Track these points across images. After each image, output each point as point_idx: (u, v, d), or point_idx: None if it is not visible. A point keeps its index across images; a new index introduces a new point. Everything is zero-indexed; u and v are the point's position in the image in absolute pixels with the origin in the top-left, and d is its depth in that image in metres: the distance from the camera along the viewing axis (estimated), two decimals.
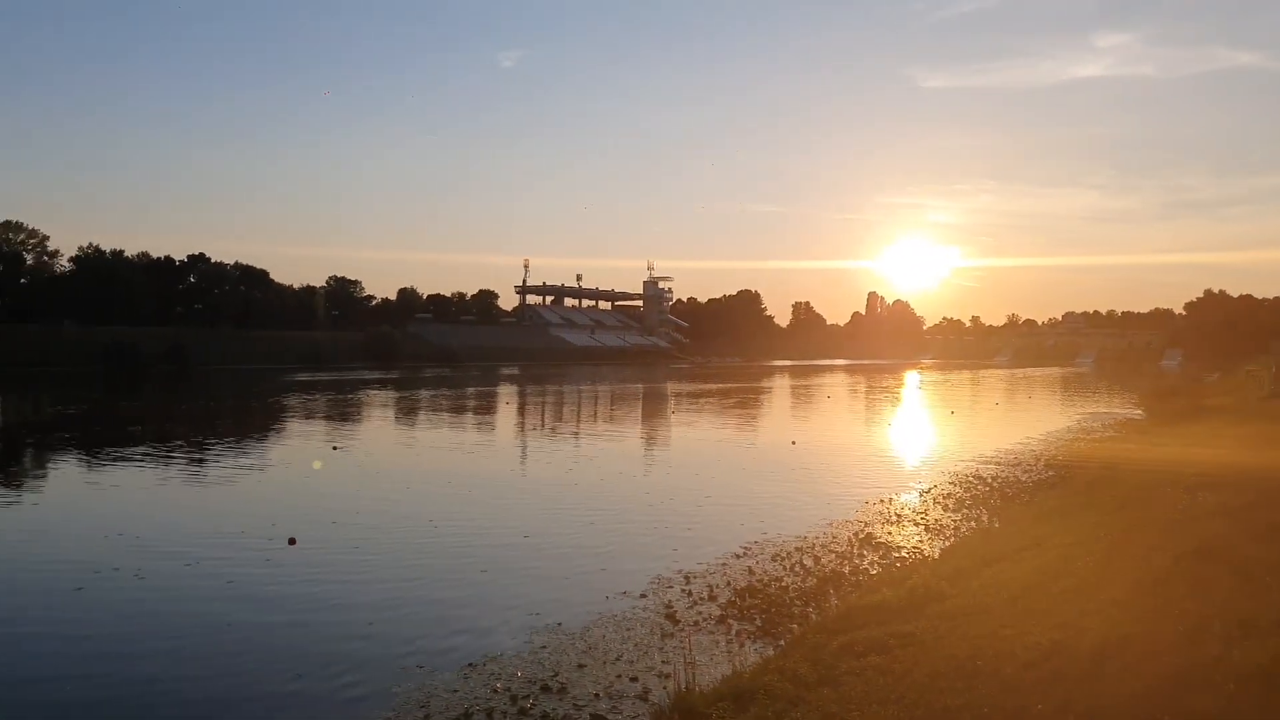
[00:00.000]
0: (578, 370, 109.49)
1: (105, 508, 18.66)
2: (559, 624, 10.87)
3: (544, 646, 10.13)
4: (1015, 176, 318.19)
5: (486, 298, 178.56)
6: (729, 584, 12.55)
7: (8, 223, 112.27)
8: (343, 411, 44.97)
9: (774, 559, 14.01)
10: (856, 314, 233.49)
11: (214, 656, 9.96)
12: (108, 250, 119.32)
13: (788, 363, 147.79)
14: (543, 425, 39.57)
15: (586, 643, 10.25)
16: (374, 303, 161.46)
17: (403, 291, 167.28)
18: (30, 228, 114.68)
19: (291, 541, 14.92)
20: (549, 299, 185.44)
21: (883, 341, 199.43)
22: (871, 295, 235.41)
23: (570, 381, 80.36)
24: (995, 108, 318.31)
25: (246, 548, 14.74)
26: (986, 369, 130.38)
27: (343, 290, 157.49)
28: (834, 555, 14.25)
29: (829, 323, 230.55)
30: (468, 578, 13.12)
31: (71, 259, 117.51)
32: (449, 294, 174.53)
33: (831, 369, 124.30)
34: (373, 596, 12.18)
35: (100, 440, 30.57)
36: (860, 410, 53.29)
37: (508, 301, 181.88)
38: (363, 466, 24.87)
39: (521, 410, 49.39)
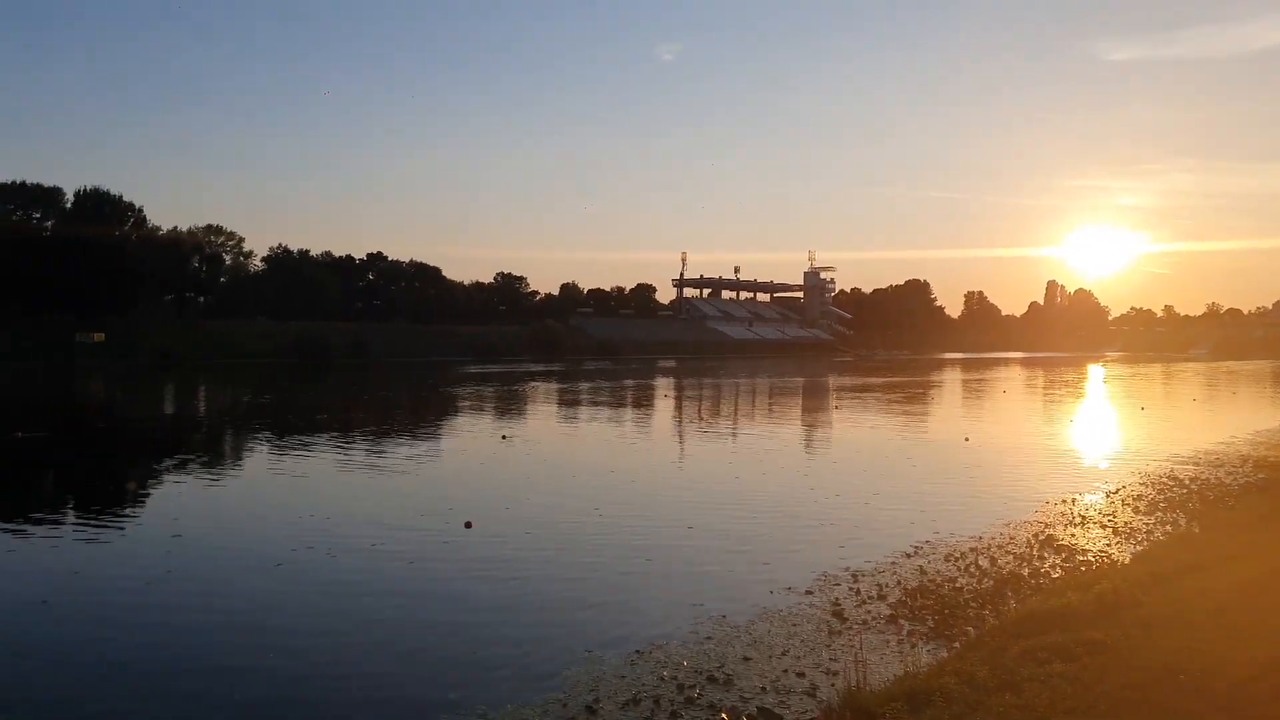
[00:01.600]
0: (735, 363, 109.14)
1: (299, 490, 20.07)
2: (723, 616, 10.84)
3: (709, 638, 10.13)
4: (1217, 153, 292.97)
5: (645, 292, 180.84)
6: (899, 583, 12.16)
7: (209, 226, 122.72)
8: (509, 402, 46.65)
9: (947, 559, 13.47)
10: (1034, 304, 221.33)
11: (398, 630, 10.52)
12: (295, 250, 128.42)
13: (959, 356, 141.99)
14: (701, 418, 39.65)
15: (751, 636, 10.18)
16: (538, 298, 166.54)
17: (565, 287, 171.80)
18: (229, 231, 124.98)
19: (467, 525, 15.56)
20: (706, 292, 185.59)
21: (1063, 333, 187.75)
22: (1051, 284, 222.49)
23: (728, 374, 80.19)
24: (1190, 79, 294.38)
25: (427, 530, 15.49)
26: (1182, 362, 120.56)
27: (509, 286, 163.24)
28: (1012, 557, 13.56)
29: (1004, 314, 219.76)
30: (633, 566, 13.29)
31: (264, 259, 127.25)
32: (609, 289, 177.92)
33: (1007, 362, 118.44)
34: (543, 580, 12.54)
35: (292, 428, 32.91)
36: (1039, 406, 50.51)
37: (665, 295, 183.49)
38: (530, 455, 25.69)
39: (679, 403, 49.70)
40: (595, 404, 46.07)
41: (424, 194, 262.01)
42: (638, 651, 9.69)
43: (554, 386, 61.49)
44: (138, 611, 11.11)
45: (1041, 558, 13.50)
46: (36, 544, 14.77)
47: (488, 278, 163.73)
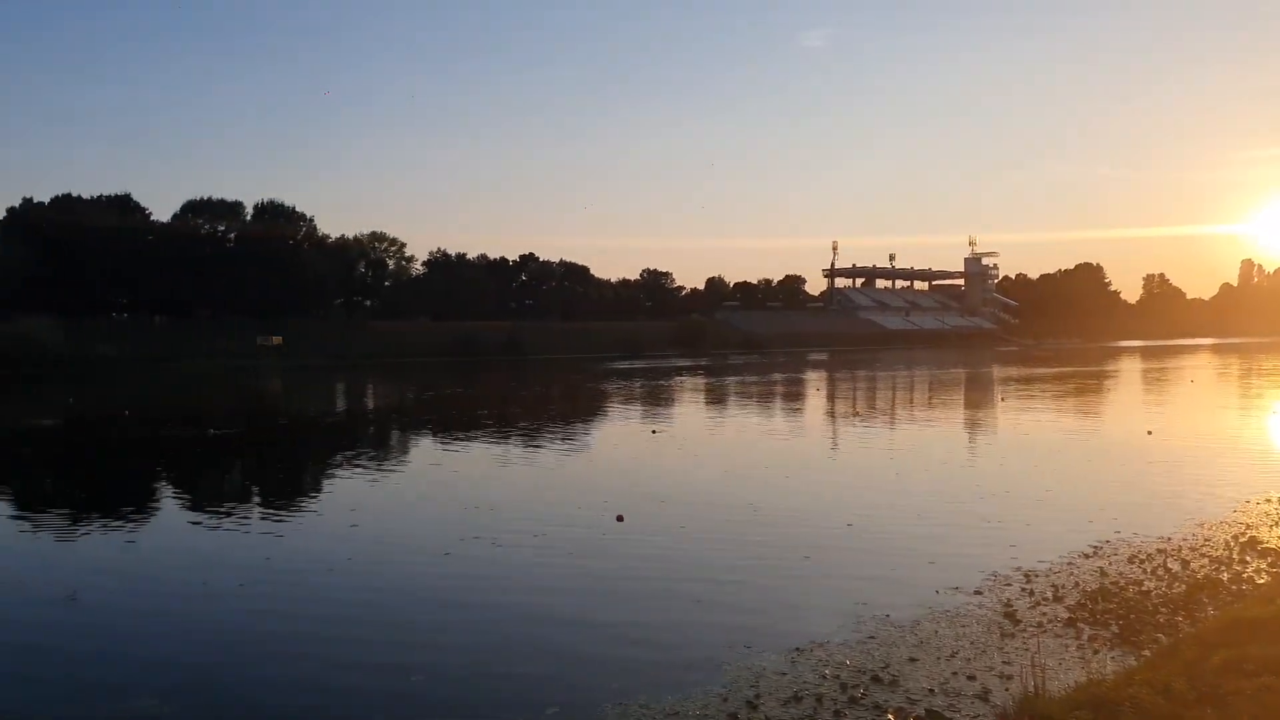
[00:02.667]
0: (891, 354, 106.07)
1: (462, 483, 20.85)
2: (886, 615, 10.53)
3: (872, 637, 9.86)
4: None
5: (793, 283, 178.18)
6: (1077, 585, 11.46)
7: (374, 233, 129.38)
8: (657, 397, 47.00)
9: (1131, 560, 12.60)
10: (1226, 286, 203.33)
11: (559, 620, 10.76)
12: (453, 254, 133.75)
13: (1138, 343, 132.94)
14: (856, 413, 38.72)
15: (917, 637, 9.83)
16: (684, 293, 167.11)
17: (711, 280, 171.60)
18: (392, 236, 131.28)
19: (619, 519, 15.76)
20: (859, 281, 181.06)
21: (1260, 317, 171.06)
22: (1245, 263, 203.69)
23: (883, 366, 78.06)
24: None
25: (582, 522, 15.78)
26: None
27: (655, 282, 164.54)
28: (1207, 560, 12.54)
29: (1189, 297, 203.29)
30: (790, 562, 13.10)
31: (425, 262, 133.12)
32: (755, 281, 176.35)
33: (1194, 349, 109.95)
34: (698, 574, 12.54)
35: (453, 423, 34.28)
36: (1232, 396, 46.59)
37: (815, 286, 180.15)
38: (680, 450, 25.76)
39: (831, 396, 48.73)
40: (743, 398, 45.81)
41: (572, 193, 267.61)
42: (798, 649, 9.54)
43: (701, 381, 61.54)
44: (324, 597, 11.81)
45: (1244, 561, 12.43)
46: (231, 533, 15.98)
47: (634, 274, 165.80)
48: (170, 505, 19.17)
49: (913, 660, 9.12)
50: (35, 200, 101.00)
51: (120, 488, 21.41)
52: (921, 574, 12.30)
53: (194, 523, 16.85)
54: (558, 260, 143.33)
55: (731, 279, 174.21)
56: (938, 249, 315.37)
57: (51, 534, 16.03)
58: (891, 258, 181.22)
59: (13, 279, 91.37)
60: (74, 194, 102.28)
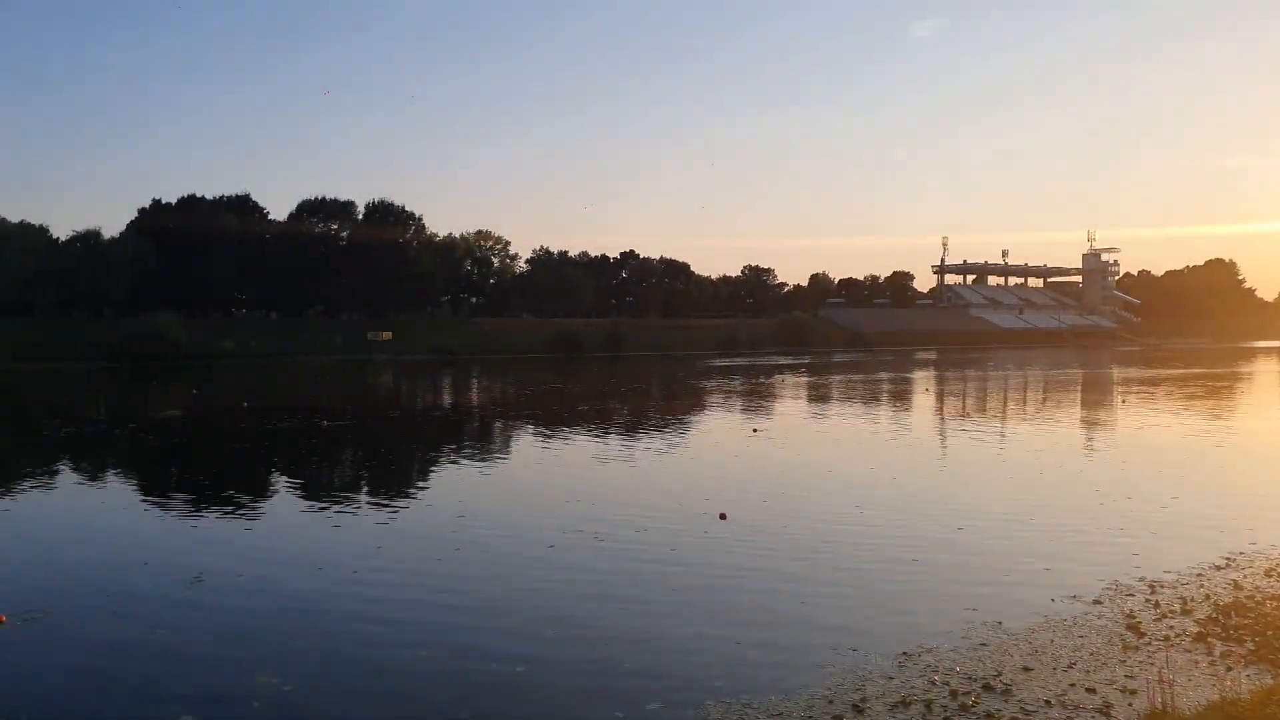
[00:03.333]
0: (1003, 354, 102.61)
1: (565, 476, 21.12)
2: (999, 622, 10.18)
3: (983, 644, 9.54)
4: None
5: (901, 279, 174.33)
6: (1208, 598, 10.84)
7: (480, 232, 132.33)
8: (757, 396, 46.63)
9: (1269, 574, 11.85)
10: None
11: (659, 612, 10.79)
12: (555, 252, 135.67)
13: (1276, 344, 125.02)
14: (965, 413, 37.58)
15: (1031, 645, 9.47)
16: (785, 289, 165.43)
17: (814, 277, 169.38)
18: (496, 235, 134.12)
19: (722, 516, 15.68)
20: (970, 278, 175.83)
21: None
22: None
23: (994, 366, 75.60)
24: None
25: (685, 519, 15.78)
26: None
27: (756, 278, 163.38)
28: None
29: None
30: (897, 565, 12.80)
31: (528, 260, 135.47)
32: (861, 277, 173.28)
33: None
34: (801, 574, 12.37)
35: (555, 418, 34.75)
36: None
37: (923, 283, 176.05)
38: (782, 450, 25.48)
39: (940, 396, 47.42)
40: (848, 398, 45.02)
41: (674, 190, 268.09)
42: (905, 653, 9.31)
43: (803, 379, 60.77)
44: (433, 585, 12.12)
45: None
46: (345, 520, 16.56)
47: (735, 271, 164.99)
48: (287, 493, 20.00)
49: (1027, 670, 8.80)
50: (163, 201, 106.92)
51: (240, 475, 22.46)
52: (1036, 581, 11.85)
53: (309, 510, 17.56)
54: (658, 257, 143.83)
55: (836, 275, 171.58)
56: (1053, 245, 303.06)
57: (178, 518, 16.93)
58: (1004, 254, 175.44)
59: (143, 277, 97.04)
60: (198, 194, 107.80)
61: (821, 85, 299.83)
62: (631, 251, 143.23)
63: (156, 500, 19.19)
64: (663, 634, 10.10)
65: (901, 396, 46.81)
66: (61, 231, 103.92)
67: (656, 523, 15.46)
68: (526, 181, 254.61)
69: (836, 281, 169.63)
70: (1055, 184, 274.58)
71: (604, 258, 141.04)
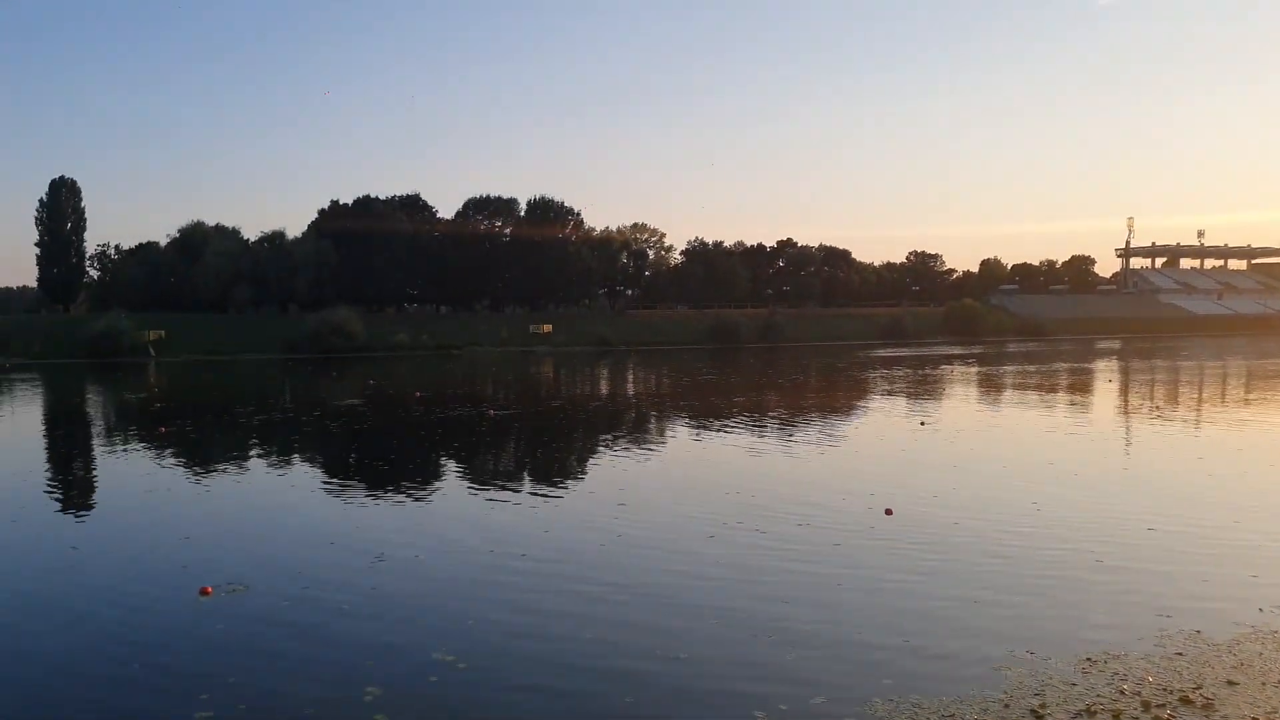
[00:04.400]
0: (1198, 342, 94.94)
1: (722, 467, 21.07)
2: (1197, 631, 9.42)
3: (1179, 654, 8.85)
4: None
5: (1080, 264, 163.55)
6: None
7: (636, 225, 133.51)
8: (924, 386, 45.01)
9: None
10: None
11: (823, 607, 10.58)
12: (710, 242, 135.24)
13: None
14: (1155, 406, 34.92)
15: (1236, 658, 8.71)
16: (954, 276, 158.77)
17: (985, 263, 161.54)
18: (652, 227, 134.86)
19: (888, 512, 15.21)
20: (1159, 261, 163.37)
21: None
22: None
23: (1189, 355, 70.03)
24: None
25: (849, 514, 15.42)
26: None
27: (922, 265, 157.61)
28: None
29: None
30: (1079, 567, 12.06)
31: (683, 252, 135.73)
32: (1037, 263, 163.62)
33: None
34: (973, 572, 11.86)
35: (712, 409, 34.71)
36: None
37: (1106, 267, 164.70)
38: (952, 444, 24.45)
39: (1124, 389, 44.28)
40: (1022, 389, 42.76)
41: (833, 178, 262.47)
42: (1089, 659, 8.77)
43: (973, 370, 58.22)
44: (597, 571, 12.36)
45: None
46: (513, 505, 17.14)
47: (899, 257, 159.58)
48: (458, 478, 20.88)
49: (1231, 684, 8.09)
50: (340, 202, 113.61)
51: (415, 461, 23.63)
52: (1241, 588, 10.90)
53: (479, 494, 18.26)
54: (817, 245, 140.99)
55: (1009, 261, 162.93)
56: (1258, 225, 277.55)
57: (359, 500, 17.97)
58: (1200, 234, 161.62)
59: (323, 273, 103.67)
60: (372, 195, 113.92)
61: (989, 60, 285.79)
62: (789, 239, 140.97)
63: (340, 483, 20.45)
64: (826, 629, 9.90)
65: (1082, 388, 44.04)
66: (252, 233, 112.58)
67: (819, 517, 15.17)
68: (682, 173, 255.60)
69: (1009, 267, 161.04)
70: (1258, 158, 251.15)
71: (760, 246, 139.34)
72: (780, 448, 23.99)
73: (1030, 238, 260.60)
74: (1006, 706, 7.81)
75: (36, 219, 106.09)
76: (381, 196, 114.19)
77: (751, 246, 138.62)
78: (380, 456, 24.47)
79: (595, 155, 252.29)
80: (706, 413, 33.07)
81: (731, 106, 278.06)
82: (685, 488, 18.50)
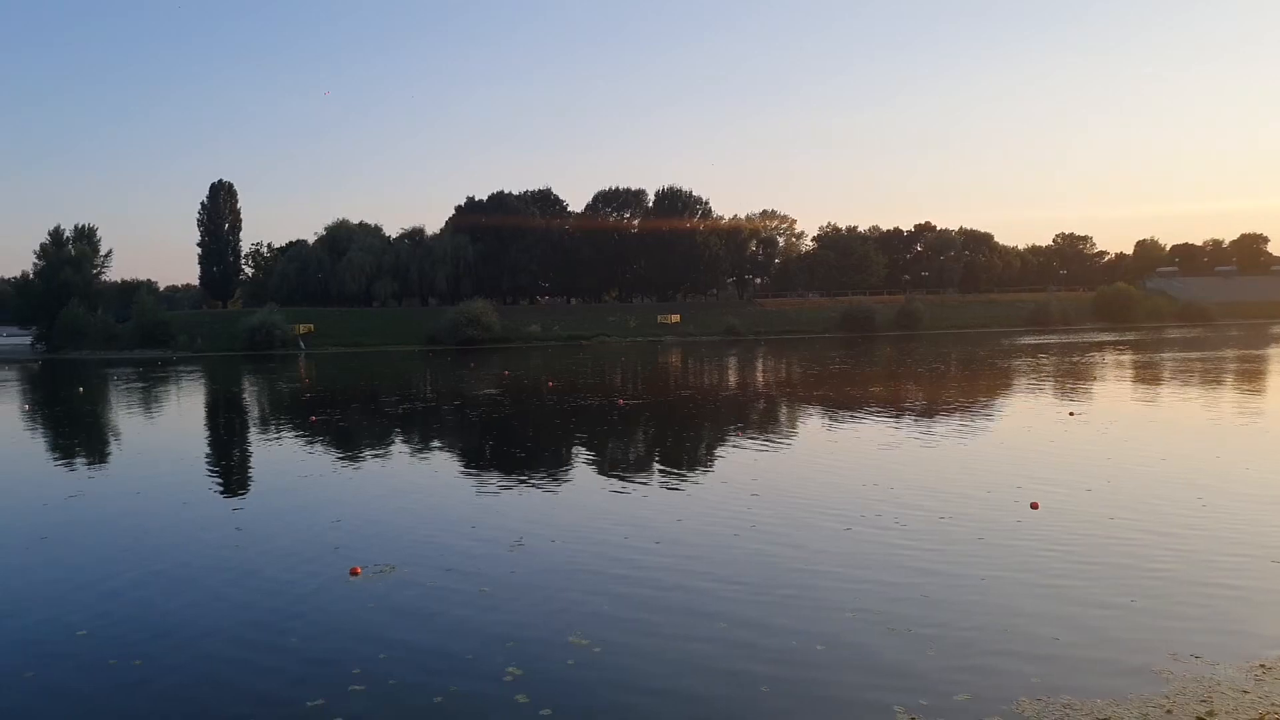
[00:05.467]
0: None
1: (858, 457, 20.62)
2: None
3: None
4: None
5: (1251, 243, 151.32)
6: None
7: (765, 212, 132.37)
8: (1072, 376, 42.77)
9: None
10: None
11: (966, 601, 10.19)
12: (844, 228, 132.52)
13: None
14: None
15: None
16: (1105, 259, 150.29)
17: (1140, 244, 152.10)
18: (782, 214, 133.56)
19: (1034, 506, 14.55)
20: None
21: None
22: None
23: None
24: None
25: (992, 507, 14.83)
26: None
27: (1070, 248, 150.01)
28: None
29: None
30: (1252, 565, 11.22)
31: (814, 238, 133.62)
32: (1200, 243, 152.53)
33: None
34: (1130, 569, 11.19)
35: (845, 399, 34.02)
36: None
37: None
38: (1105, 436, 23.07)
39: None
40: (1183, 378, 40.05)
41: (973, 160, 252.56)
42: (1263, 665, 8.16)
43: (1127, 357, 54.99)
44: (730, 560, 12.30)
45: None
46: (645, 494, 17.29)
47: (1045, 240, 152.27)
48: (591, 466, 21.17)
49: None
50: (476, 198, 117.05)
51: (549, 449, 24.13)
52: None
53: (611, 482, 18.45)
54: (957, 229, 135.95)
55: (1167, 242, 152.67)
56: None
57: (497, 487, 18.47)
58: None
59: (461, 267, 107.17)
60: (506, 191, 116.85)
61: (1137, 24, 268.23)
62: (927, 223, 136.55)
63: (479, 469, 21.09)
64: (970, 624, 9.54)
65: (1252, 376, 40.86)
66: (393, 230, 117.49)
67: (961, 510, 14.65)
68: (813, 158, 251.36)
69: (1168, 248, 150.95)
70: None
71: (896, 231, 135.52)
72: (918, 439, 23.27)
73: (1191, 217, 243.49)
74: (1169, 712, 7.33)
75: (198, 221, 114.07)
76: (515, 192, 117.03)
77: (887, 231, 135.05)
78: (516, 444, 25.11)
79: (724, 143, 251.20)
80: (840, 403, 32.44)
81: (864, 88, 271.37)
82: (819, 479, 18.18)
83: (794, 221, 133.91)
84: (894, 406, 30.70)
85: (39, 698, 8.33)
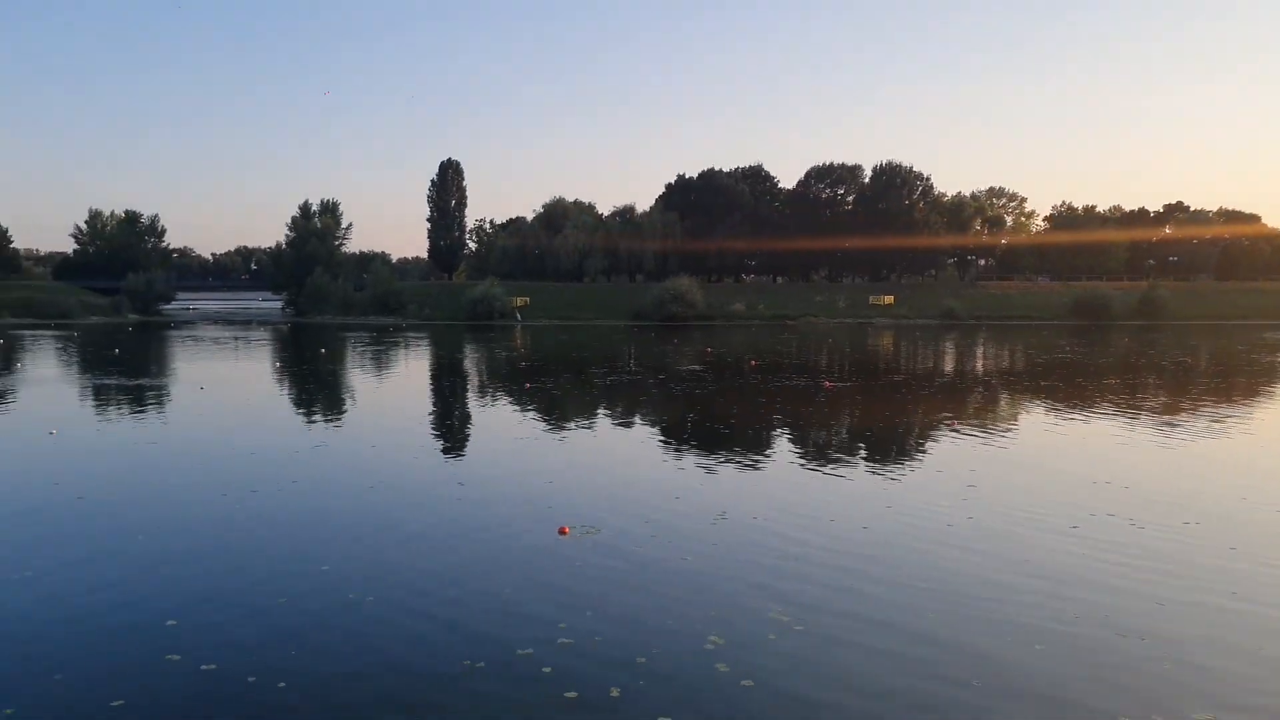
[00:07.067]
0: None
1: (1087, 454, 19.12)
2: None
3: None
4: None
5: None
6: None
7: (992, 189, 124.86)
8: None
9: None
10: None
11: (1211, 621, 9.15)
12: (1080, 208, 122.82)
13: None
14: None
15: None
16: None
17: None
18: (1011, 192, 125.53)
19: None
20: None
21: None
22: None
23: None
24: None
25: (1246, 515, 13.40)
26: None
27: None
28: None
29: None
30: None
31: (1046, 218, 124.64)
32: None
33: None
34: None
35: (1077, 391, 31.64)
36: None
37: None
38: None
39: None
40: None
41: (1235, 133, 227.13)
42: None
43: None
44: (946, 550, 11.74)
45: None
46: (853, 479, 16.80)
47: None
48: (795, 447, 20.78)
49: None
50: (686, 176, 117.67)
51: (752, 427, 23.92)
52: None
53: (816, 464, 18.05)
54: (1215, 209, 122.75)
55: None
56: None
57: (700, 460, 18.51)
58: None
59: (668, 243, 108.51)
60: (716, 168, 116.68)
61: None
62: (1178, 203, 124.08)
63: (682, 442, 21.24)
64: (1213, 645, 8.56)
65: None
66: (605, 208, 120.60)
67: (1207, 516, 13.24)
68: (1048, 132, 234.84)
69: None
70: None
71: (1141, 211, 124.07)
72: (1158, 436, 21.23)
73: None
74: None
75: (428, 197, 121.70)
76: (725, 169, 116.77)
77: (1130, 212, 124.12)
78: (719, 420, 25.11)
79: (948, 116, 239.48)
80: (1069, 395, 30.17)
81: (1104, 57, 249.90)
82: (1043, 472, 16.96)
83: (1024, 200, 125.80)
84: (1130, 401, 28.17)
85: (300, 619, 9.16)
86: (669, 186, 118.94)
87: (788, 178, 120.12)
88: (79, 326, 77.64)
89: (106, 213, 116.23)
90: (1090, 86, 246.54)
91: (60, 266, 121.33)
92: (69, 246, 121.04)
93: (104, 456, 18.70)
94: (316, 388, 34.16)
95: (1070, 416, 25.02)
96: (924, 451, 20.17)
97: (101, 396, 29.44)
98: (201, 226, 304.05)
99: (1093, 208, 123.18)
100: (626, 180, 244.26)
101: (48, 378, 35.87)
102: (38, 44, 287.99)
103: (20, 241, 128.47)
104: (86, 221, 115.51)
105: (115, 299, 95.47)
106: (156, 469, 17.22)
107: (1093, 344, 58.77)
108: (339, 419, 25.49)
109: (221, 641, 8.55)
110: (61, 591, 9.96)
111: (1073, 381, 34.62)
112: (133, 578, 10.52)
